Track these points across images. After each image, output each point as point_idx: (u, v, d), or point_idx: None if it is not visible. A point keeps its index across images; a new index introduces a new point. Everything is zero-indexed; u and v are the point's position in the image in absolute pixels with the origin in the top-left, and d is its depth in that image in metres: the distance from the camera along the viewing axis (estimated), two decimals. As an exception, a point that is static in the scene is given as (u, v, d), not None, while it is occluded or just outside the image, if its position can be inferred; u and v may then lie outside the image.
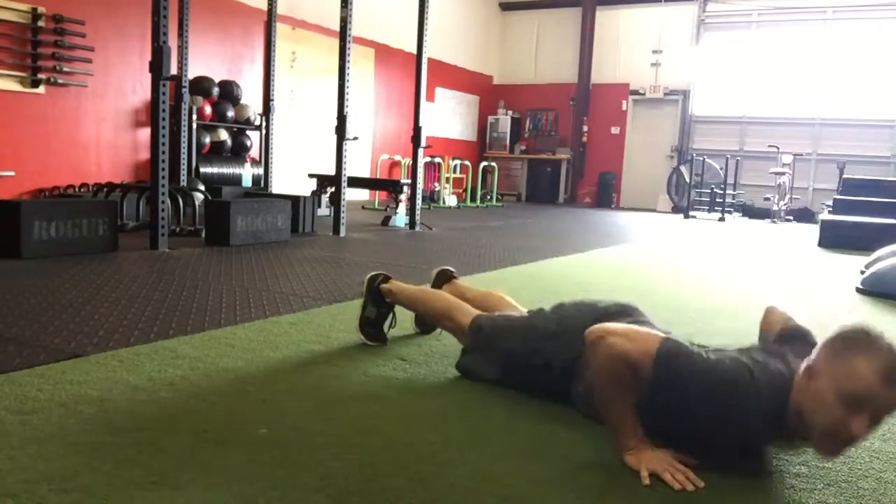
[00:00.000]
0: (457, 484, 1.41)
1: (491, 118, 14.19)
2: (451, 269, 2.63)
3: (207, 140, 7.78)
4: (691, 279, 4.50)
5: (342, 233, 5.98)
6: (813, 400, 1.41)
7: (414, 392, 1.99)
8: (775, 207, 10.97)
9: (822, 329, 3.26)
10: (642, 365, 1.46)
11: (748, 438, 1.50)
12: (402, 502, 1.33)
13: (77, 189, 6.64)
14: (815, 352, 1.46)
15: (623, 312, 1.89)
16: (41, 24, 6.45)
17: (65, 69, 6.69)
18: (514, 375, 1.99)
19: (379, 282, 2.44)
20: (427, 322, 2.55)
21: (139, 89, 7.34)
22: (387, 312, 2.46)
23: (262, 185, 7.61)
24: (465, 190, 11.77)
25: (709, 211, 11.24)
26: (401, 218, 7.06)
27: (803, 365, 1.46)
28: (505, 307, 2.31)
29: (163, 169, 4.49)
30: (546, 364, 1.89)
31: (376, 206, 9.09)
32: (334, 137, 6.05)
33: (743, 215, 11.88)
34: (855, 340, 1.41)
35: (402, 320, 2.52)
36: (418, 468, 1.47)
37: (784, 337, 1.73)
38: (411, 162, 6.90)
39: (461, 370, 2.15)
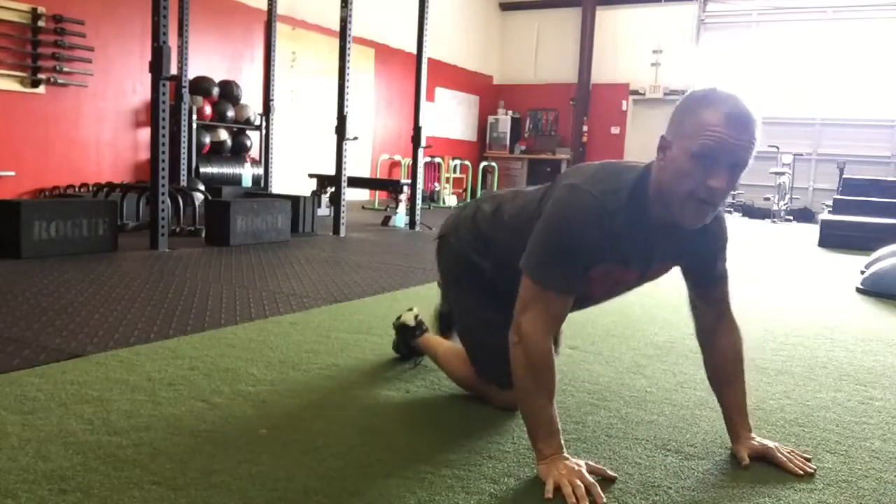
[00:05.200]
0: (454, 486, 1.41)
1: (491, 118, 14.18)
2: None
3: (207, 140, 7.77)
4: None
5: (342, 233, 5.98)
6: (669, 170, 1.42)
7: (415, 392, 1.99)
8: (775, 207, 10.96)
9: (822, 330, 3.24)
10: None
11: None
12: (401, 502, 1.33)
13: (77, 189, 6.63)
14: (666, 127, 1.46)
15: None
16: (41, 24, 6.44)
17: (65, 69, 6.68)
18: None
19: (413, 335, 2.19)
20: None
21: (139, 89, 7.33)
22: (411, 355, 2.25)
23: (262, 185, 7.61)
24: (466, 190, 11.76)
25: (709, 211, 11.20)
26: (401, 218, 7.05)
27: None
28: None
29: (163, 169, 4.50)
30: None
31: (376, 206, 9.09)
32: (334, 137, 6.05)
33: (743, 215, 11.88)
34: (697, 99, 1.40)
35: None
36: (418, 468, 1.47)
37: None
38: (411, 162, 6.90)
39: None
